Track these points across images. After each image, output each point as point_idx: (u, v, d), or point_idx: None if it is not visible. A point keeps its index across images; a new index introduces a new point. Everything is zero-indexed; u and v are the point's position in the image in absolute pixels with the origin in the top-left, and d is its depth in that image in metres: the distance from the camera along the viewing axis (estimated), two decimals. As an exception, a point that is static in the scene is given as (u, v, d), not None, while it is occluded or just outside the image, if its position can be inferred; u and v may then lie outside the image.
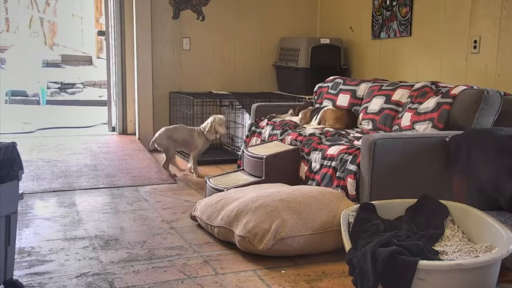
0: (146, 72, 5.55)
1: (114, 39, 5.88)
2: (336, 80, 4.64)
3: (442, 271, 2.04)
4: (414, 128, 3.45)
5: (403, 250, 2.11)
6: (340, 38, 5.50)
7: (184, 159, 4.99)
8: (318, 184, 3.35)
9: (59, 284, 2.35)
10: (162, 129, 4.53)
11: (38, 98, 10.26)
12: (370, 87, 4.21)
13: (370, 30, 5.09)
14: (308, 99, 4.96)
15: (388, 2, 4.83)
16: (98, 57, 13.12)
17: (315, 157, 3.46)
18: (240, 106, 5.22)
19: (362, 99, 4.24)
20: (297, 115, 4.48)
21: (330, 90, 4.60)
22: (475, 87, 3.32)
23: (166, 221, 3.27)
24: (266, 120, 4.48)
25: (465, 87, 3.33)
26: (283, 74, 5.77)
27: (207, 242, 2.92)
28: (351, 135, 3.74)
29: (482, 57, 3.85)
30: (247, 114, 4.96)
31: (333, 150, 3.33)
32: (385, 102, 3.89)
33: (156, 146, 4.49)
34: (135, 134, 5.84)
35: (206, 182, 3.70)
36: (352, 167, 3.06)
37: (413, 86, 3.79)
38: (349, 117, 4.12)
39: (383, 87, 4.04)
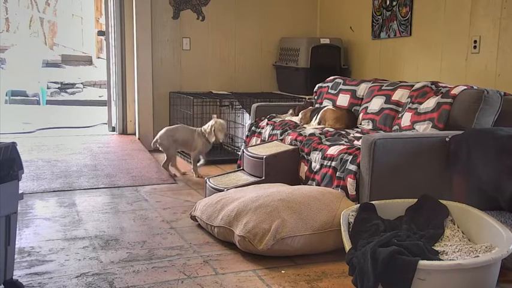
0: (146, 72, 5.55)
1: (114, 39, 5.88)
2: (336, 80, 4.64)
3: (442, 271, 2.04)
4: (414, 128, 3.45)
5: (403, 250, 2.11)
6: (340, 38, 5.50)
7: (185, 159, 4.99)
8: (318, 184, 3.35)
9: (59, 284, 2.35)
10: (164, 129, 4.55)
11: (38, 98, 10.26)
12: (370, 87, 4.21)
13: (370, 30, 5.09)
14: (308, 99, 4.96)
15: (388, 2, 4.83)
16: (98, 57, 13.12)
17: (315, 157, 3.46)
18: (240, 106, 5.22)
19: (362, 99, 4.24)
20: (297, 115, 4.48)
21: (330, 90, 4.60)
22: (475, 87, 3.32)
23: (166, 221, 3.27)
24: (266, 120, 4.48)
25: (465, 87, 3.33)
26: (283, 74, 5.77)
27: (207, 242, 2.93)
28: (351, 135, 3.74)
29: (482, 57, 3.85)
30: (247, 114, 4.96)
31: (333, 150, 3.33)
32: (385, 102, 3.89)
33: (157, 145, 4.51)
34: (135, 134, 5.84)
35: (206, 182, 3.70)
36: (352, 167, 3.06)
37: (413, 86, 3.79)
38: (349, 117, 4.12)
39: (383, 87, 4.04)
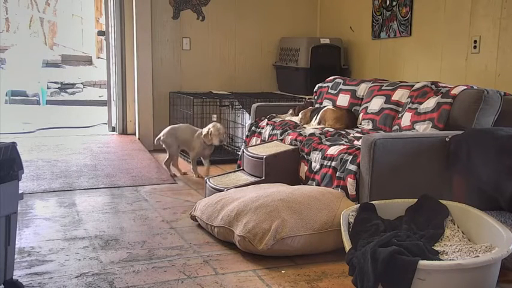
0: (146, 72, 5.55)
1: (114, 39, 5.88)
2: (336, 80, 4.64)
3: (442, 271, 2.04)
4: (414, 128, 3.45)
5: (403, 250, 2.11)
6: (340, 38, 5.50)
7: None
8: (318, 184, 3.35)
9: (59, 284, 2.35)
10: (168, 127, 4.60)
11: (38, 98, 10.26)
12: (370, 87, 4.21)
13: (370, 30, 5.09)
14: (308, 99, 4.96)
15: (388, 2, 4.83)
16: (98, 57, 13.12)
17: (315, 157, 3.46)
18: (240, 106, 5.22)
19: (362, 99, 4.24)
20: (297, 115, 4.48)
21: (330, 90, 4.60)
22: (475, 87, 3.32)
23: (166, 221, 3.27)
24: (266, 120, 4.48)
25: (465, 87, 3.33)
26: (283, 74, 5.77)
27: (207, 242, 2.93)
28: (351, 135, 3.74)
29: (482, 57, 3.85)
30: (247, 114, 4.96)
31: (333, 150, 3.33)
32: (385, 102, 3.89)
33: (160, 142, 4.55)
34: (135, 134, 5.84)
35: (206, 182, 3.70)
36: (352, 167, 3.06)
37: (413, 86, 3.79)
38: (349, 117, 4.12)
39: (383, 87, 4.04)
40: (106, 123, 6.47)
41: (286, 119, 4.44)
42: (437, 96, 3.44)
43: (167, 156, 4.53)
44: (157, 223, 3.23)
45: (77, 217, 3.32)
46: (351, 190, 3.03)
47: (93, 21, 13.27)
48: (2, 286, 2.19)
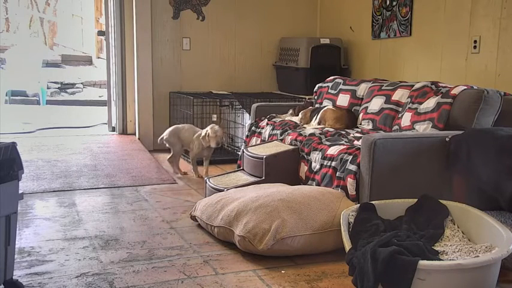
0: (146, 72, 5.55)
1: (114, 39, 5.88)
2: (336, 80, 4.64)
3: (442, 271, 2.04)
4: (414, 128, 3.45)
5: (403, 250, 2.11)
6: (340, 38, 5.50)
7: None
8: (318, 184, 3.35)
9: (59, 284, 2.35)
10: (172, 127, 4.63)
11: (38, 98, 10.26)
12: (370, 87, 4.21)
13: (370, 30, 5.09)
14: (308, 99, 4.96)
15: (388, 2, 4.83)
16: (98, 57, 13.12)
17: (315, 157, 3.46)
18: (240, 106, 5.22)
19: (362, 99, 4.24)
20: (297, 115, 4.48)
21: (330, 90, 4.60)
22: (475, 87, 3.32)
23: (166, 221, 3.27)
24: (266, 120, 4.48)
25: (465, 87, 3.33)
26: (283, 74, 5.77)
27: (207, 242, 2.93)
28: (351, 135, 3.74)
29: (482, 57, 3.85)
30: (247, 114, 4.96)
31: (333, 150, 3.33)
32: (385, 102, 3.89)
33: (163, 142, 4.58)
34: (135, 134, 5.84)
35: (206, 182, 3.70)
36: (352, 167, 3.06)
37: (413, 86, 3.79)
38: (349, 117, 4.12)
39: (383, 87, 4.04)
40: (106, 123, 6.47)
41: (286, 119, 4.44)
42: (437, 96, 3.44)
43: (171, 154, 4.56)
44: (157, 223, 3.23)
45: (77, 217, 3.32)
46: (351, 190, 3.03)
47: (93, 21, 13.27)
48: (2, 286, 2.19)
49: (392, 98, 3.86)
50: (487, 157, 2.61)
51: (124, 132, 6.00)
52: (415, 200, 2.67)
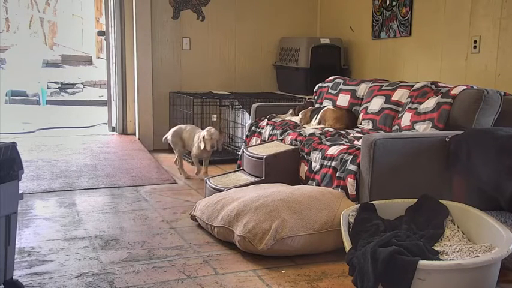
0: (146, 72, 5.55)
1: (114, 39, 5.88)
2: (336, 80, 4.64)
3: (442, 271, 2.04)
4: (414, 128, 3.45)
5: (403, 250, 2.11)
6: (340, 38, 5.50)
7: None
8: (318, 184, 3.35)
9: (59, 284, 2.35)
10: (176, 127, 4.63)
11: (38, 98, 10.26)
12: (370, 87, 4.21)
13: (370, 30, 5.09)
14: (308, 99, 4.96)
15: (388, 2, 4.83)
16: (98, 57, 13.12)
17: (315, 157, 3.46)
18: (240, 106, 5.22)
19: (362, 99, 4.24)
20: (297, 115, 4.48)
21: (330, 90, 4.60)
22: (475, 87, 3.32)
23: (166, 221, 3.27)
24: (266, 120, 4.48)
25: (465, 87, 3.33)
26: (283, 74, 5.78)
27: (207, 242, 2.93)
28: (351, 135, 3.74)
29: (482, 57, 3.85)
30: (247, 114, 4.96)
31: (333, 150, 3.33)
32: (385, 102, 3.89)
33: (168, 141, 4.60)
34: (135, 134, 5.84)
35: (206, 182, 3.70)
36: (352, 167, 3.06)
37: (413, 86, 3.79)
38: (349, 117, 4.12)
39: (383, 87, 4.04)
40: (106, 123, 6.47)
41: (286, 119, 4.44)
42: (437, 96, 3.44)
43: (176, 156, 4.55)
44: (157, 223, 3.23)
45: (77, 217, 3.32)
46: (351, 190, 3.03)
47: (93, 21, 13.27)
48: (2, 286, 2.19)
49: (392, 98, 3.86)
50: (487, 157, 2.61)
51: (124, 132, 6.00)
52: (415, 200, 2.67)
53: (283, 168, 3.62)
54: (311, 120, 4.30)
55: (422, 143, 3.00)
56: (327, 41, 5.42)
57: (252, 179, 3.67)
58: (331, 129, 3.89)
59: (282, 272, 2.54)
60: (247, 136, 4.59)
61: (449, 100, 3.30)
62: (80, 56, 13.77)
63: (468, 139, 2.80)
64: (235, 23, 5.83)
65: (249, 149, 3.89)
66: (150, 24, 5.50)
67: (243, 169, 3.92)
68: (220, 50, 5.80)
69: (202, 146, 4.24)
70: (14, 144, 2.14)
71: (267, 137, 4.26)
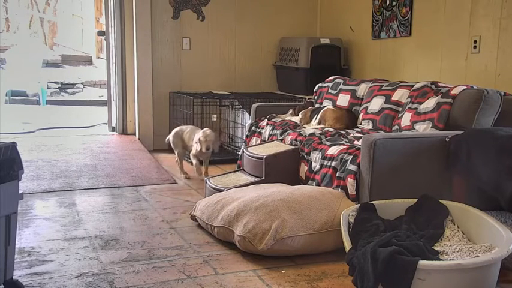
0: (146, 72, 5.55)
1: (114, 39, 5.88)
2: (336, 80, 4.64)
3: (442, 271, 2.04)
4: (414, 128, 3.45)
5: (403, 250, 2.11)
6: (340, 38, 5.50)
7: (188, 160, 4.99)
8: (318, 184, 3.35)
9: (59, 284, 2.35)
10: (177, 128, 4.63)
11: (38, 98, 10.26)
12: (370, 87, 4.21)
13: (370, 30, 5.09)
14: (308, 99, 4.96)
15: (388, 2, 4.83)
16: (98, 57, 13.12)
17: (315, 157, 3.46)
18: (240, 106, 5.22)
19: (362, 99, 4.24)
20: (297, 115, 4.48)
21: (330, 90, 4.60)
22: (475, 87, 3.32)
23: (166, 221, 3.27)
24: (266, 120, 4.48)
25: (465, 87, 3.33)
26: (283, 74, 5.78)
27: (207, 242, 2.93)
28: (351, 135, 3.74)
29: (482, 57, 3.85)
30: (247, 114, 4.96)
31: (333, 150, 3.33)
32: (385, 102, 3.89)
33: (169, 141, 4.60)
34: (135, 134, 5.84)
35: (206, 182, 3.70)
36: (352, 167, 3.06)
37: (413, 86, 3.79)
38: (349, 117, 4.12)
39: (383, 87, 4.04)
40: (106, 123, 6.47)
41: (286, 119, 4.44)
42: (437, 96, 3.44)
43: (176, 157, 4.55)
44: (157, 223, 3.23)
45: (77, 217, 3.32)
46: (351, 190, 3.03)
47: (93, 21, 13.27)
48: (2, 286, 2.19)
49: (392, 98, 3.86)
50: (487, 157, 2.61)
51: (124, 132, 6.00)
52: (415, 200, 2.67)
53: (283, 168, 3.62)
54: (311, 120, 4.30)
55: (422, 143, 3.00)
56: (327, 41, 5.42)
57: (252, 179, 3.67)
58: (331, 129, 3.90)
59: (282, 272, 2.54)
60: (247, 136, 4.59)
61: (449, 100, 3.30)
62: (80, 56, 13.77)
63: (468, 139, 2.80)
64: (235, 23, 5.83)
65: (249, 149, 3.89)
66: (150, 24, 5.51)
67: (243, 169, 3.92)
68: (220, 50, 5.80)
69: (198, 148, 4.23)
70: (14, 144, 2.14)
71: (267, 137, 4.26)
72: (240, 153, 4.24)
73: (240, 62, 5.90)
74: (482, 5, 3.84)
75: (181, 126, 4.68)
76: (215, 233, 2.93)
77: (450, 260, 2.22)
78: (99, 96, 10.84)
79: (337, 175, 3.19)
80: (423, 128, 3.37)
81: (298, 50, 5.44)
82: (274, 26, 5.93)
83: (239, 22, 5.83)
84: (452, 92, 3.34)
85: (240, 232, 2.71)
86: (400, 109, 3.75)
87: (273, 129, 4.23)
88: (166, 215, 3.40)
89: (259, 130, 4.45)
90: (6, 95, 10.07)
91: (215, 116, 5.41)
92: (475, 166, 2.69)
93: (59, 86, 11.56)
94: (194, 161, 4.43)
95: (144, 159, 4.93)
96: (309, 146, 3.57)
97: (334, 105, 4.42)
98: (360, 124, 4.10)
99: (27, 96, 10.29)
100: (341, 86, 4.51)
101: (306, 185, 3.47)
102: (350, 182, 3.04)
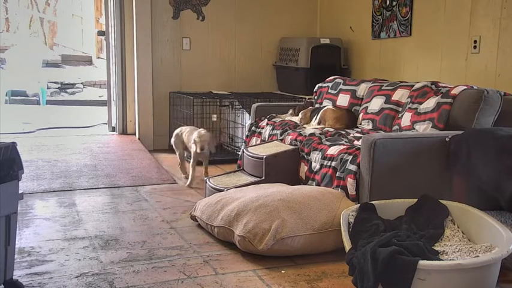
0: (146, 72, 5.55)
1: (114, 39, 5.88)
2: (336, 80, 4.64)
3: (442, 271, 2.04)
4: (414, 128, 3.45)
5: (403, 250, 2.11)
6: (340, 38, 5.50)
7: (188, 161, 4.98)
8: (318, 184, 3.35)
9: (59, 284, 2.35)
10: (178, 129, 4.60)
11: (38, 98, 10.26)
12: (370, 87, 4.21)
13: (370, 30, 5.09)
14: (308, 99, 4.96)
15: (388, 2, 4.83)
16: (98, 57, 13.12)
17: (315, 157, 3.46)
18: (240, 106, 5.22)
19: (362, 99, 4.24)
20: (297, 115, 4.48)
21: (330, 90, 4.60)
22: (475, 87, 3.32)
23: (166, 221, 3.27)
24: (266, 120, 4.48)
25: (465, 87, 3.33)
26: (283, 74, 5.78)
27: (207, 242, 2.93)
28: (351, 135, 3.74)
29: (482, 57, 3.85)
30: (247, 114, 4.96)
31: (333, 150, 3.33)
32: (385, 102, 3.89)
33: (171, 142, 4.59)
34: (135, 134, 5.84)
35: (206, 182, 3.70)
36: (352, 167, 3.06)
37: (413, 86, 3.79)
38: (349, 117, 4.12)
39: (383, 87, 4.04)
40: (106, 123, 6.47)
41: (286, 119, 4.44)
42: (437, 96, 3.44)
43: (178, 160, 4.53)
44: (157, 223, 3.23)
45: (77, 217, 3.32)
46: (351, 190, 3.03)
47: (93, 21, 13.27)
48: (2, 286, 2.19)
49: (392, 98, 3.86)
50: (487, 157, 2.61)
51: (124, 132, 6.00)
52: (415, 200, 2.67)
53: (283, 168, 3.62)
54: (311, 120, 4.30)
55: (422, 143, 3.00)
56: (327, 41, 5.42)
57: (252, 179, 3.67)
58: (331, 129, 3.89)
59: (282, 272, 2.54)
60: (247, 136, 4.58)
61: (449, 100, 3.30)
62: (80, 56, 13.77)
63: (468, 139, 2.80)
64: (235, 23, 5.83)
65: (249, 149, 3.89)
66: (150, 24, 5.51)
67: (243, 169, 3.92)
68: (220, 50, 5.80)
69: (194, 148, 4.21)
70: (14, 144, 2.14)
71: (267, 137, 4.26)
72: (240, 153, 4.24)
73: (240, 62, 5.90)
74: (482, 5, 3.84)
75: (181, 127, 4.66)
76: (215, 233, 2.93)
77: (450, 260, 2.22)
78: (99, 96, 10.84)
79: (337, 175, 3.19)
80: (423, 128, 3.37)
81: (298, 50, 5.44)
82: (274, 26, 5.93)
83: (239, 22, 5.84)
84: (452, 92, 3.34)
85: (240, 232, 2.71)
86: (400, 109, 3.75)
87: (273, 129, 4.23)
88: (166, 215, 3.41)
89: (259, 130, 4.45)
90: (6, 95, 10.07)
91: (215, 116, 5.40)
92: (475, 166, 2.69)
93: (59, 86, 11.56)
94: (191, 161, 4.40)
95: (144, 159, 4.93)
96: (309, 146, 3.57)
97: (334, 105, 4.42)
98: (360, 124, 4.10)
99: (27, 96, 10.29)
100: (341, 86, 4.51)
101: (306, 185, 3.46)
102: (350, 182, 3.04)
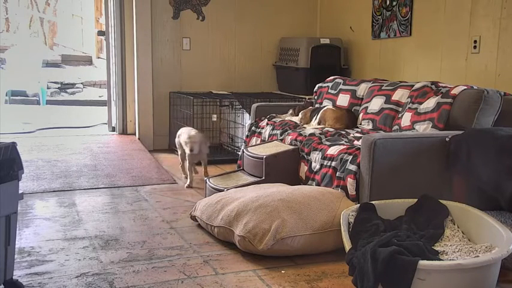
0: (146, 72, 5.55)
1: (114, 39, 5.88)
2: (336, 80, 4.64)
3: (442, 271, 2.04)
4: (414, 128, 3.45)
5: (403, 250, 2.11)
6: (340, 38, 5.50)
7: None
8: (318, 184, 3.35)
9: (59, 284, 2.35)
10: (180, 129, 4.57)
11: (38, 98, 10.26)
12: (370, 87, 4.21)
13: (370, 30, 5.09)
14: (308, 99, 4.96)
15: (388, 2, 4.83)
16: (98, 57, 13.12)
17: (315, 157, 3.46)
18: (240, 106, 5.22)
19: (362, 99, 4.24)
20: (297, 115, 4.48)
21: (330, 90, 4.60)
22: (475, 87, 3.32)
23: (166, 221, 3.27)
24: (266, 120, 4.48)
25: (465, 87, 3.33)
26: (283, 74, 5.78)
27: (207, 242, 2.93)
28: (351, 135, 3.74)
29: (482, 57, 3.85)
30: (247, 114, 4.96)
31: (333, 150, 3.33)
32: (385, 102, 3.89)
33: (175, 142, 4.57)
34: (135, 134, 5.84)
35: (206, 182, 3.71)
36: (352, 167, 3.06)
37: (413, 86, 3.79)
38: (349, 117, 4.12)
39: (383, 87, 4.04)
40: (106, 123, 6.47)
41: (286, 119, 4.44)
42: (437, 96, 3.44)
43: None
44: (157, 223, 3.23)
45: (77, 217, 3.32)
46: (351, 190, 3.03)
47: (93, 21, 13.27)
48: (2, 286, 2.19)
49: (392, 98, 3.86)
50: (487, 157, 2.61)
51: (124, 132, 6.00)
52: (415, 200, 2.67)
53: (283, 168, 3.62)
54: (311, 120, 4.30)
55: (422, 143, 3.00)
56: (327, 41, 5.42)
57: (252, 179, 3.67)
58: (331, 129, 3.90)
59: (282, 272, 2.54)
60: (247, 136, 4.59)
61: (449, 100, 3.30)
62: (80, 56, 13.76)
63: (468, 139, 2.80)
64: (235, 23, 5.83)
65: (249, 149, 3.89)
66: (150, 24, 5.51)
67: (243, 169, 3.92)
68: (220, 50, 5.80)
69: (186, 149, 4.20)
70: (14, 144, 2.14)
71: (267, 137, 4.26)
72: (240, 153, 4.24)
73: (240, 62, 5.90)
74: (482, 5, 3.84)
75: (182, 128, 4.65)
76: (215, 233, 2.93)
77: (450, 260, 2.22)
78: (99, 96, 10.84)
79: (337, 175, 3.19)
80: (423, 128, 3.37)
81: (298, 50, 5.44)
82: (274, 26, 5.93)
83: (239, 22, 5.84)
84: (452, 92, 3.34)
85: (240, 232, 2.71)
86: (400, 109, 3.75)
87: (273, 129, 4.23)
88: (166, 215, 3.41)
89: (259, 130, 4.45)
90: (6, 95, 10.07)
91: (215, 116, 5.41)
92: (475, 166, 2.69)
93: (59, 86, 11.56)
94: (186, 162, 4.35)
95: (144, 159, 4.93)
96: (309, 146, 3.57)
97: (334, 105, 4.42)
98: (360, 124, 4.10)
99: (27, 96, 10.29)
100: (341, 86, 4.51)
101: (306, 185, 3.46)
102: (350, 182, 3.04)
